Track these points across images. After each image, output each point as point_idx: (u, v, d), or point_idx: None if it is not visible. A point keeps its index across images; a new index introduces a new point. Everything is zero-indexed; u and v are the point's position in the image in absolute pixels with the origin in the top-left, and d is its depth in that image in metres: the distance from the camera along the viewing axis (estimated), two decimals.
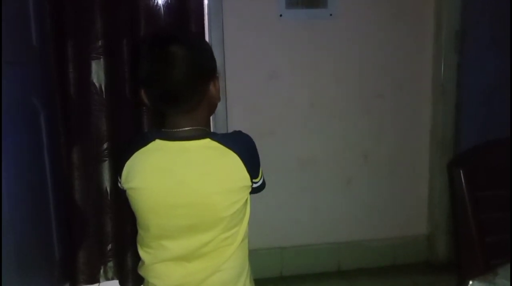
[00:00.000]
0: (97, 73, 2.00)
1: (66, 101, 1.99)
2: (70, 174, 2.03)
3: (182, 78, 0.97)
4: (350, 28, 2.26)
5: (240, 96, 2.21)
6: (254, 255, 2.34)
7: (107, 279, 2.17)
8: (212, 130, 1.94)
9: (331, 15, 2.21)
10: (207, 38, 2.09)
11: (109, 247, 2.13)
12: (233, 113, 2.20)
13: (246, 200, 1.06)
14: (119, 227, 2.08)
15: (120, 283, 2.15)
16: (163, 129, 1.04)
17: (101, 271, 2.15)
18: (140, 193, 1.02)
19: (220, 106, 2.16)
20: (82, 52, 1.96)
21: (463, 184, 1.28)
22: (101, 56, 1.98)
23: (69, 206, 2.05)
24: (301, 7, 2.19)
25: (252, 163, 1.03)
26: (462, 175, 1.28)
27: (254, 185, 1.07)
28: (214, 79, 1.05)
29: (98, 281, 2.15)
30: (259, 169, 1.09)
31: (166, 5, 1.98)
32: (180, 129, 1.02)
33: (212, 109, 1.10)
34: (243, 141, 1.06)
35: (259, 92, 2.24)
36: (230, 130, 1.92)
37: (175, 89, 0.98)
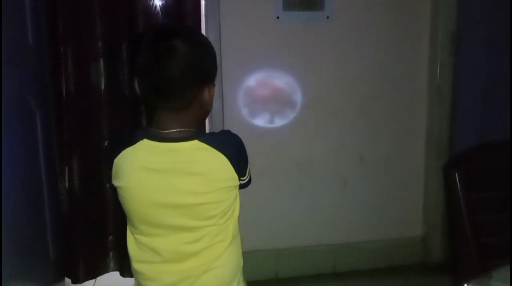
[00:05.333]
0: (96, 74, 2.00)
1: (65, 101, 1.99)
2: (70, 171, 2.04)
3: (178, 74, 0.96)
4: (347, 30, 2.26)
5: (237, 97, 2.21)
6: (250, 257, 2.34)
7: (107, 271, 2.17)
8: (208, 131, 1.94)
9: (328, 17, 2.22)
10: None
11: (110, 238, 2.13)
12: (230, 114, 2.20)
13: (235, 196, 1.07)
14: (119, 218, 2.08)
15: (121, 274, 2.15)
16: (151, 129, 1.02)
17: (102, 263, 2.14)
18: (128, 192, 1.02)
19: (217, 107, 2.17)
20: (81, 53, 1.97)
21: (458, 186, 1.28)
22: (100, 58, 1.99)
23: (70, 199, 2.06)
24: (298, 9, 2.19)
25: (240, 163, 1.03)
26: (457, 177, 1.28)
27: (241, 182, 1.07)
28: (210, 85, 1.03)
29: (98, 274, 2.14)
30: (246, 168, 1.08)
31: (164, 6, 1.99)
32: (168, 131, 1.00)
33: (203, 114, 1.08)
34: (232, 142, 1.05)
35: (255, 94, 2.24)
36: None
37: (168, 83, 0.97)
